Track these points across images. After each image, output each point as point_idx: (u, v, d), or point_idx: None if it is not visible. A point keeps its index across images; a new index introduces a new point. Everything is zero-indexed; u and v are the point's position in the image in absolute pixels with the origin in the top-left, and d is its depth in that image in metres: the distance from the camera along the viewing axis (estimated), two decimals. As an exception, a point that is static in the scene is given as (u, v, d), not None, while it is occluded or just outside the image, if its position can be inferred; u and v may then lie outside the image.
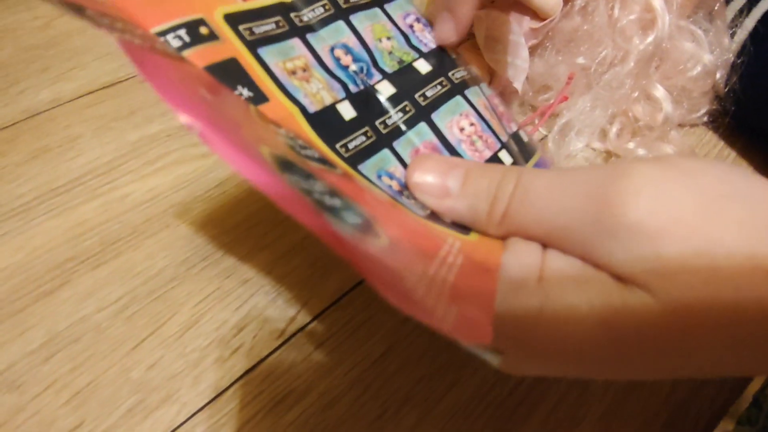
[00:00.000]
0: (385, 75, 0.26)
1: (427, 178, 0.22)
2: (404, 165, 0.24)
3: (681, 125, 0.42)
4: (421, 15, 0.30)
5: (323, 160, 0.20)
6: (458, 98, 0.27)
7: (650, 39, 0.37)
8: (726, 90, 0.40)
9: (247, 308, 0.30)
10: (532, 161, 0.29)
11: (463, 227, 0.22)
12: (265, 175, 0.14)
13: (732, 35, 0.40)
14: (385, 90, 0.26)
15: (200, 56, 0.20)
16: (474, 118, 0.27)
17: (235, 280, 0.31)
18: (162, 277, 0.31)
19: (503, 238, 0.21)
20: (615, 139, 0.40)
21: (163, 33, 0.20)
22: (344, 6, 0.26)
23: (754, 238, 0.17)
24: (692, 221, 0.17)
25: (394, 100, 0.25)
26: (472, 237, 0.22)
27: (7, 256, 0.31)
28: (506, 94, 0.40)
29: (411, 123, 0.25)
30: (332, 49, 0.25)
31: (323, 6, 0.26)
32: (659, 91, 0.39)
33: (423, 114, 0.26)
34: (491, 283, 0.18)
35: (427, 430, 0.26)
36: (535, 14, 0.34)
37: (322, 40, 0.25)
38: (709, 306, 0.16)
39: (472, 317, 0.16)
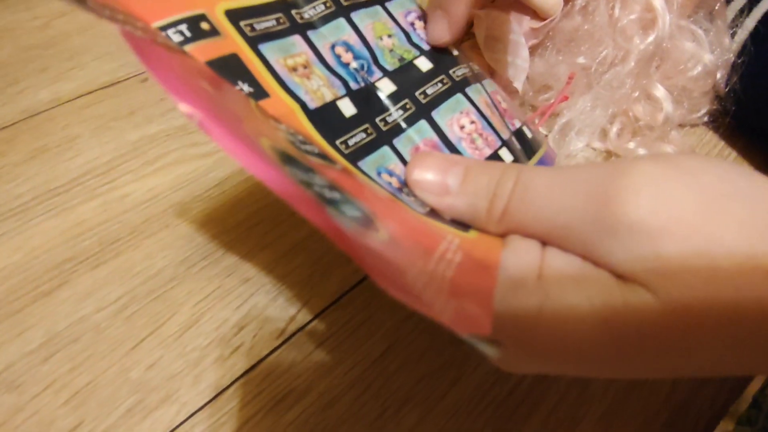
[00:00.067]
0: (386, 72, 0.26)
1: (426, 175, 0.22)
2: (404, 162, 0.24)
3: (681, 125, 0.42)
4: (422, 13, 0.30)
5: (323, 156, 0.20)
6: (459, 96, 0.27)
7: (651, 39, 0.37)
8: (726, 90, 0.40)
9: (248, 307, 0.30)
10: (537, 156, 0.29)
11: (462, 225, 0.22)
12: (266, 167, 0.14)
13: (732, 35, 0.40)
14: (385, 87, 0.25)
15: (201, 51, 0.20)
16: (474, 115, 0.27)
17: (236, 279, 0.31)
18: (161, 276, 0.31)
19: (503, 235, 0.21)
20: (615, 138, 0.40)
21: (165, 28, 0.20)
22: (345, 3, 0.26)
23: (755, 238, 0.17)
24: (693, 220, 0.17)
25: (394, 97, 0.25)
26: (472, 234, 0.21)
27: (6, 256, 0.31)
28: (506, 93, 0.40)
29: (411, 120, 0.25)
30: (333, 47, 0.25)
31: (324, 3, 0.26)
32: (660, 91, 0.39)
33: (423, 112, 0.26)
34: (490, 281, 0.18)
35: (428, 430, 0.26)
36: (536, 14, 0.34)
37: (323, 37, 0.25)
38: (710, 305, 0.16)
39: (471, 312, 0.16)
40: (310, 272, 0.31)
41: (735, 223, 0.17)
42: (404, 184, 0.23)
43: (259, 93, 0.21)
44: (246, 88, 0.21)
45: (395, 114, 0.25)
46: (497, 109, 0.29)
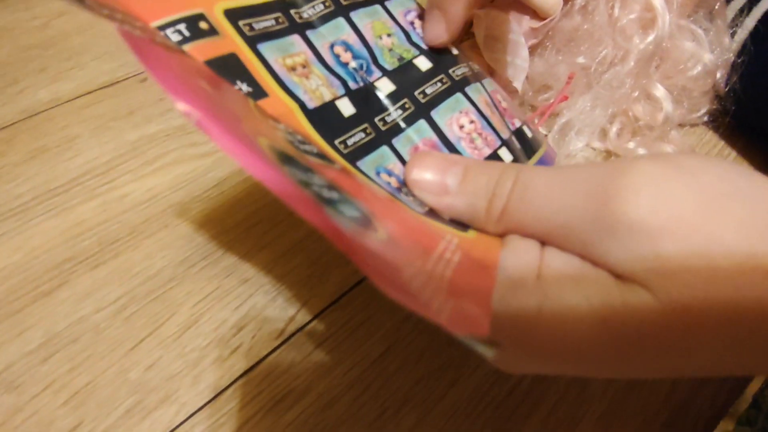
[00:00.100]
0: (385, 72, 0.26)
1: (425, 175, 0.22)
2: (403, 162, 0.24)
3: (681, 125, 0.42)
4: (422, 11, 0.30)
5: (322, 156, 0.20)
6: (458, 95, 0.27)
7: (650, 38, 0.37)
8: (726, 89, 0.40)
9: (247, 308, 0.30)
10: (537, 156, 0.29)
11: (461, 224, 0.22)
12: (265, 166, 0.14)
13: (732, 35, 0.40)
14: (384, 87, 0.25)
15: (200, 51, 0.20)
16: (474, 115, 0.27)
17: (235, 280, 0.31)
18: (161, 277, 0.31)
19: (502, 235, 0.21)
20: (615, 138, 0.39)
21: (163, 27, 0.20)
22: (344, 3, 0.26)
23: (755, 238, 0.17)
24: (692, 220, 0.17)
25: (393, 97, 0.25)
26: (471, 234, 0.21)
27: (5, 256, 0.31)
28: (506, 93, 0.40)
29: (410, 120, 0.25)
30: (332, 46, 0.25)
31: (323, 3, 0.26)
32: (659, 91, 0.39)
33: (422, 111, 0.26)
34: (489, 281, 0.18)
35: (427, 430, 0.26)
36: (535, 13, 0.34)
37: (322, 36, 0.25)
38: (709, 305, 0.16)
39: (469, 312, 0.16)
40: (309, 272, 0.31)
41: (735, 222, 0.17)
42: (403, 184, 0.23)
43: (258, 92, 0.21)
44: (245, 87, 0.21)
45: (394, 114, 0.25)
46: (497, 108, 0.29)
